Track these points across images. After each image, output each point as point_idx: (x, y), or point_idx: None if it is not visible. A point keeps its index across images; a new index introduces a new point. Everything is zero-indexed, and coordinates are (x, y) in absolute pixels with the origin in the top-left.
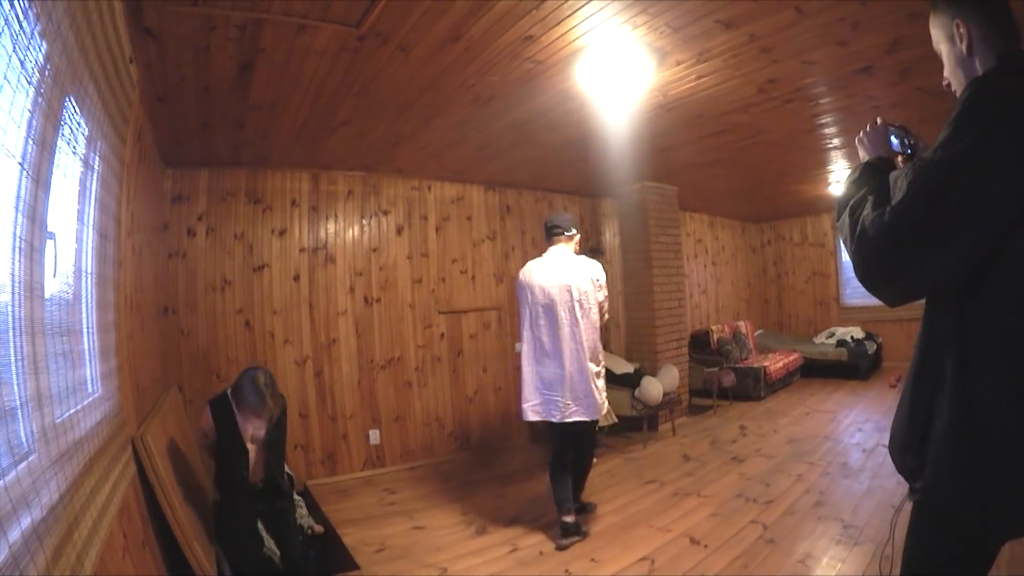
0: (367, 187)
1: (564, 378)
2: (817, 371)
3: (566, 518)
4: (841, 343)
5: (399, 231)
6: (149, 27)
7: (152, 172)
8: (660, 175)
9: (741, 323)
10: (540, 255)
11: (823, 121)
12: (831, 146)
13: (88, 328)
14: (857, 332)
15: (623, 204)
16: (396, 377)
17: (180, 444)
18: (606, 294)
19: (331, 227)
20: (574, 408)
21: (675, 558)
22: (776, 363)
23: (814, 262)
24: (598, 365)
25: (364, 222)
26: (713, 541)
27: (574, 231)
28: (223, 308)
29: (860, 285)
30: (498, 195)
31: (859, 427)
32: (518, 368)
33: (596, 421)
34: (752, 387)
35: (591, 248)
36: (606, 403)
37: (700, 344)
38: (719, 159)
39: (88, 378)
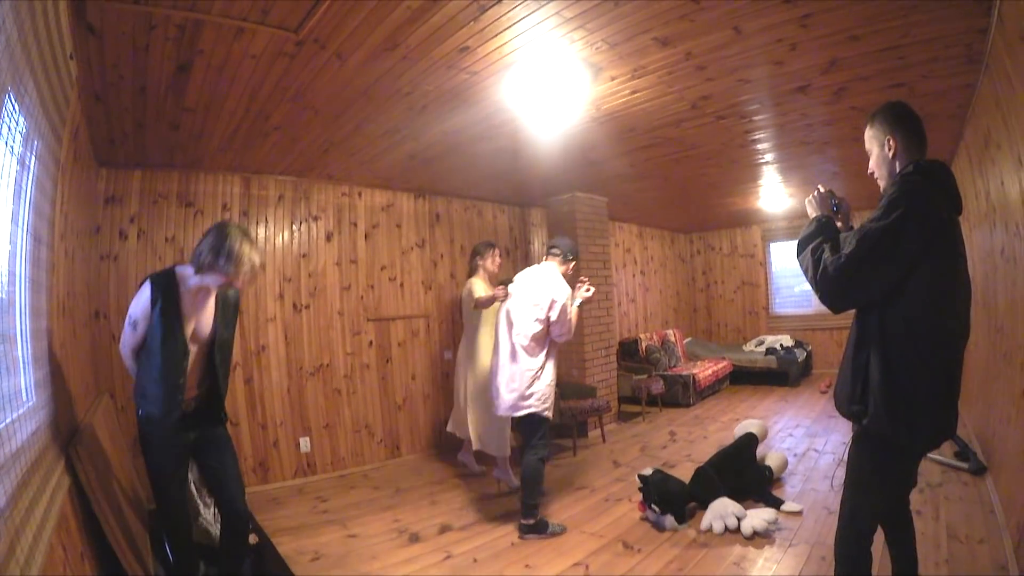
0: (298, 192)
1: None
2: (747, 378)
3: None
4: (771, 351)
5: (328, 237)
6: (91, 23)
7: (86, 172)
8: (591, 186)
9: (670, 331)
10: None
11: (756, 137)
12: (762, 161)
13: (23, 335)
14: (786, 340)
15: (553, 214)
16: (325, 384)
17: (114, 451)
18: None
19: (261, 232)
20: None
21: (609, 563)
22: (705, 370)
23: (743, 272)
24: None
25: (294, 228)
26: (647, 546)
27: (568, 256)
28: None
29: (789, 295)
30: (428, 203)
31: (790, 432)
32: (447, 375)
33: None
34: (681, 394)
35: (501, 281)
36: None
37: (629, 352)
38: (650, 172)
39: (23, 387)
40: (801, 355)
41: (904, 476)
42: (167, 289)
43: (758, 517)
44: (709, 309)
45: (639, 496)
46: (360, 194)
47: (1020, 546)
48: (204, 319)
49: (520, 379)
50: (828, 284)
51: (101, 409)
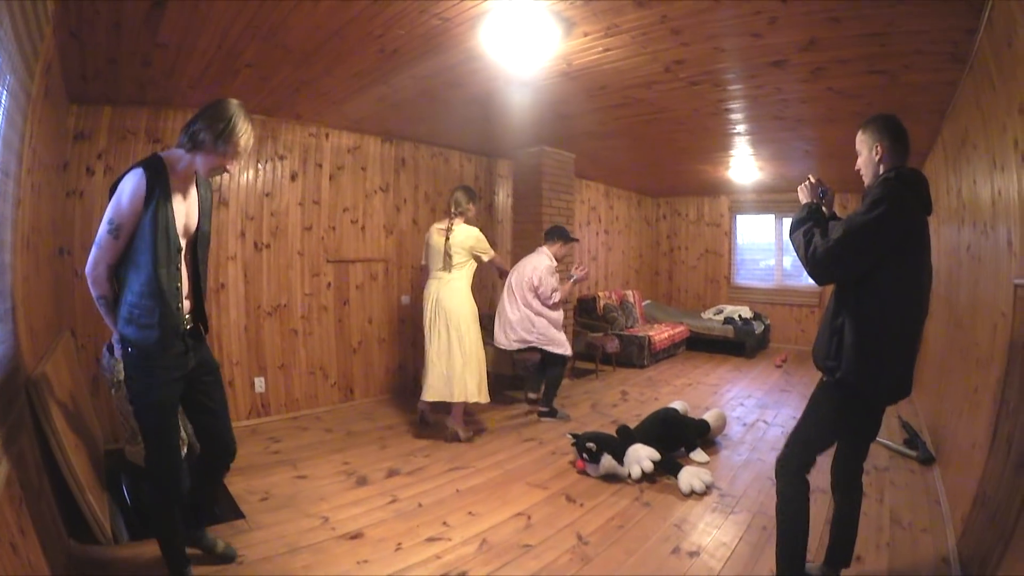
0: (265, 131)
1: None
2: (703, 345)
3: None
4: (729, 320)
5: (293, 177)
6: None
7: (57, 108)
8: (559, 141)
9: (629, 292)
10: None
11: (729, 107)
12: (735, 131)
13: None
14: (745, 311)
15: (519, 166)
16: (282, 324)
17: (73, 390)
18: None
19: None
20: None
21: (551, 515)
22: (662, 333)
23: (708, 240)
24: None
25: (259, 166)
26: (589, 500)
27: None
28: None
29: (753, 268)
30: (395, 148)
31: (741, 402)
32: (402, 321)
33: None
34: (636, 355)
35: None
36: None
37: (587, 309)
38: (619, 131)
39: None
40: (759, 328)
41: (863, 425)
42: (161, 178)
43: (695, 476)
44: (671, 274)
45: (580, 456)
46: (327, 135)
47: (963, 539)
48: (191, 210)
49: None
50: (817, 263)
51: (61, 347)
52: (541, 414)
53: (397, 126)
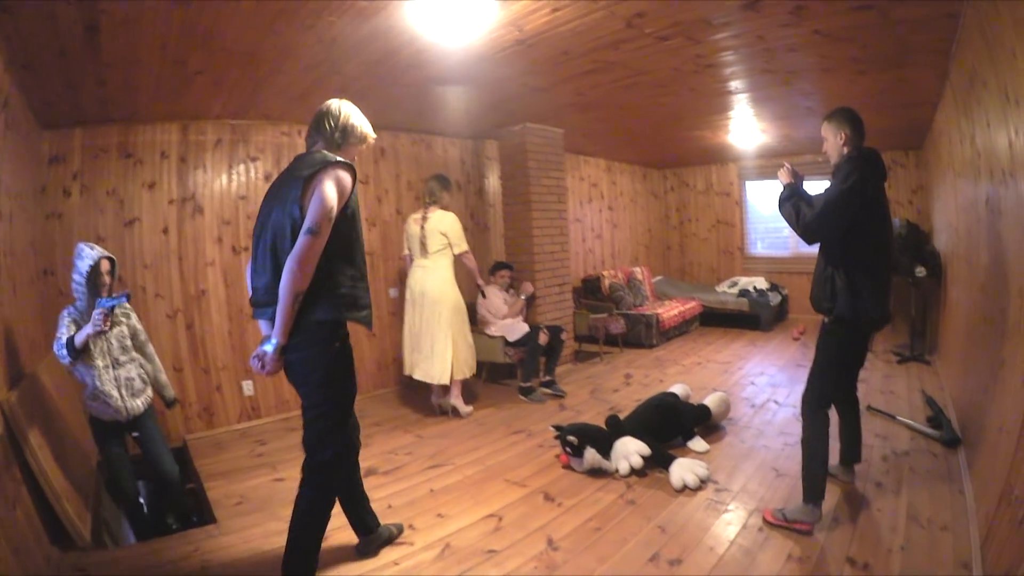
0: (236, 135)
1: None
2: (718, 320)
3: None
4: (743, 293)
5: (267, 178)
6: (3, 3)
7: (25, 137)
8: (542, 117)
9: (637, 269)
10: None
11: (712, 63)
12: (727, 90)
13: None
14: (761, 282)
15: (505, 146)
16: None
17: (59, 404)
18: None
19: (200, 177)
20: None
21: (525, 515)
22: (671, 311)
23: (719, 210)
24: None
25: (233, 170)
26: (569, 499)
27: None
28: None
29: (768, 237)
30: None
31: (752, 380)
32: (392, 314)
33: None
34: (644, 334)
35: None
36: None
37: (592, 290)
38: (600, 100)
39: None
40: (775, 299)
41: (857, 352)
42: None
43: (688, 469)
44: (683, 247)
45: (563, 450)
46: (300, 132)
47: (988, 543)
48: None
49: None
50: (808, 227)
51: (47, 363)
52: (520, 389)
53: (370, 116)
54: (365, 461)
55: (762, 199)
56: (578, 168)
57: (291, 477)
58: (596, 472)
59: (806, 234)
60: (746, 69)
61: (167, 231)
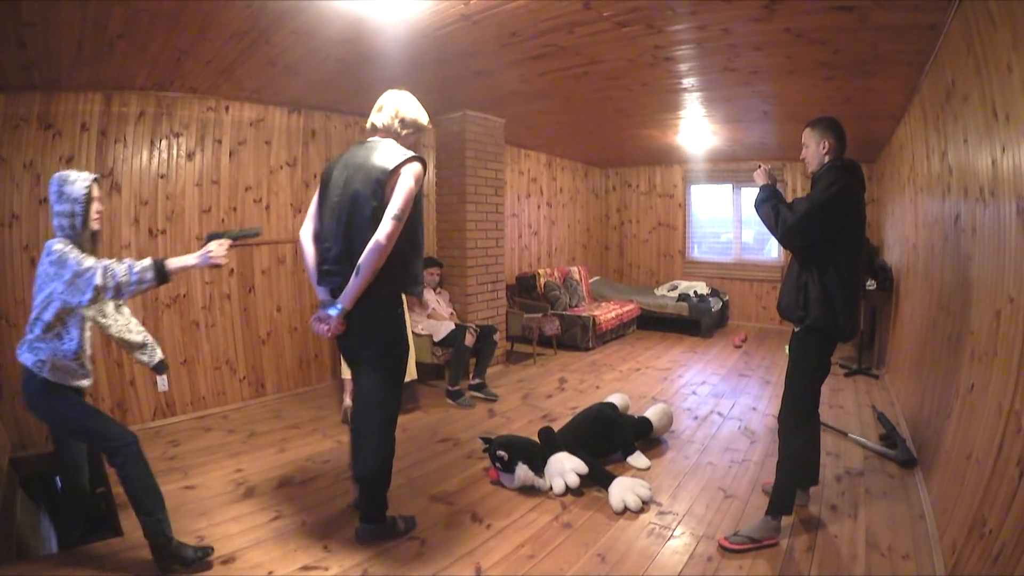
0: (160, 108)
1: None
2: (656, 324)
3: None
4: (683, 297)
5: (190, 156)
6: None
7: None
8: (484, 105)
9: (574, 268)
10: None
11: (669, 55)
12: (681, 87)
13: None
14: (701, 287)
15: (442, 133)
16: (182, 316)
17: None
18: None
19: (119, 152)
20: None
21: (449, 539)
22: (608, 313)
23: (661, 212)
24: None
25: (154, 147)
26: (499, 520)
27: None
28: (10, 245)
29: (706, 240)
30: (303, 118)
31: (693, 390)
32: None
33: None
34: (580, 336)
35: None
36: None
37: (527, 288)
38: (548, 90)
39: None
40: (716, 304)
41: (827, 361)
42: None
43: (629, 489)
44: (622, 248)
45: (492, 464)
46: (227, 108)
47: (955, 570)
48: None
49: None
50: (788, 230)
51: None
52: (447, 392)
53: (302, 94)
54: (280, 470)
55: (706, 203)
56: (518, 161)
57: (202, 485)
58: (528, 490)
59: (786, 236)
60: (705, 65)
61: None
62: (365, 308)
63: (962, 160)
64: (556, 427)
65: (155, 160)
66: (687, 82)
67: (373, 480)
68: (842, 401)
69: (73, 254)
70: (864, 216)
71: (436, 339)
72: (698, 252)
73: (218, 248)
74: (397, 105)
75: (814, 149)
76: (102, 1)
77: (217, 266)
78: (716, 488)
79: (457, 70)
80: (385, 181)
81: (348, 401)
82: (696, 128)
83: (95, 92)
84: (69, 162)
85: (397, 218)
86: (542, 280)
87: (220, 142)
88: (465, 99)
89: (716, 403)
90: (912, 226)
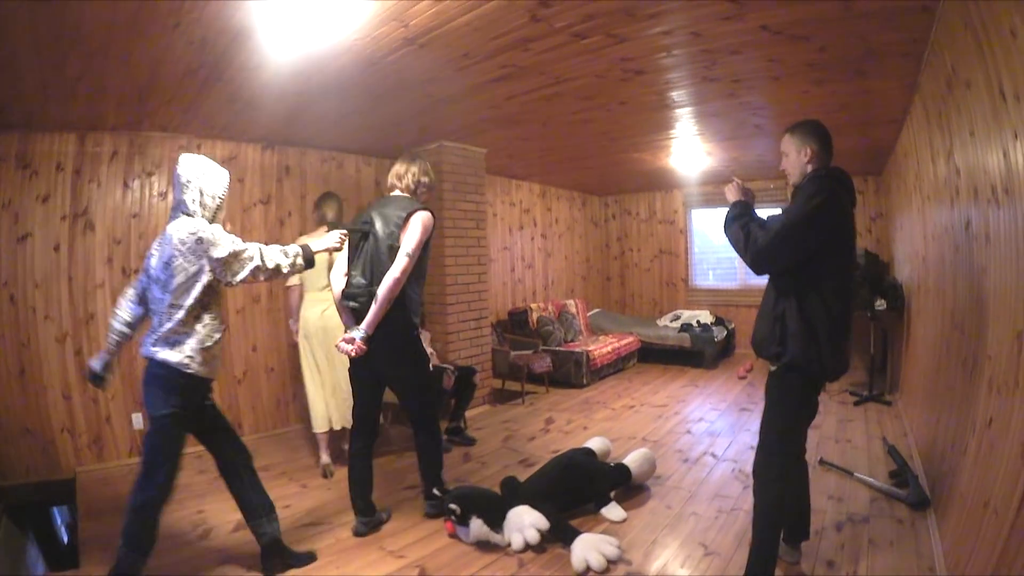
0: (133, 147)
1: None
2: (657, 356)
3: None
4: (685, 327)
5: (163, 195)
6: None
7: None
8: (460, 135)
9: (571, 301)
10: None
11: (640, 68)
12: (664, 103)
13: None
14: (705, 316)
15: None
16: None
17: None
18: None
19: (93, 192)
20: None
21: None
22: (603, 347)
23: (662, 239)
24: None
25: (128, 186)
26: (449, 573)
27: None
28: None
29: (716, 267)
30: (277, 155)
31: (688, 428)
32: (294, 347)
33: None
34: (573, 373)
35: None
36: None
37: (519, 323)
38: (520, 115)
39: None
40: (720, 333)
41: (811, 403)
42: None
43: (593, 547)
44: (623, 278)
45: (451, 518)
46: (199, 146)
47: None
48: None
49: None
50: (759, 252)
51: None
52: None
53: (272, 130)
54: (238, 513)
55: (708, 228)
56: (508, 192)
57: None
58: (485, 545)
59: (757, 261)
60: (681, 77)
61: (58, 248)
62: (385, 335)
63: (969, 157)
64: (523, 477)
65: (128, 199)
66: (669, 97)
67: (425, 472)
68: (850, 434)
69: (227, 235)
70: (853, 233)
71: None
72: (702, 279)
73: (338, 234)
74: (406, 169)
75: (795, 157)
76: (54, 47)
77: (337, 249)
78: (697, 543)
79: (419, 98)
80: (400, 227)
81: (326, 459)
82: (689, 149)
83: (69, 132)
84: (45, 201)
85: (409, 256)
86: (535, 315)
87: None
88: (438, 129)
89: (711, 443)
90: (921, 238)
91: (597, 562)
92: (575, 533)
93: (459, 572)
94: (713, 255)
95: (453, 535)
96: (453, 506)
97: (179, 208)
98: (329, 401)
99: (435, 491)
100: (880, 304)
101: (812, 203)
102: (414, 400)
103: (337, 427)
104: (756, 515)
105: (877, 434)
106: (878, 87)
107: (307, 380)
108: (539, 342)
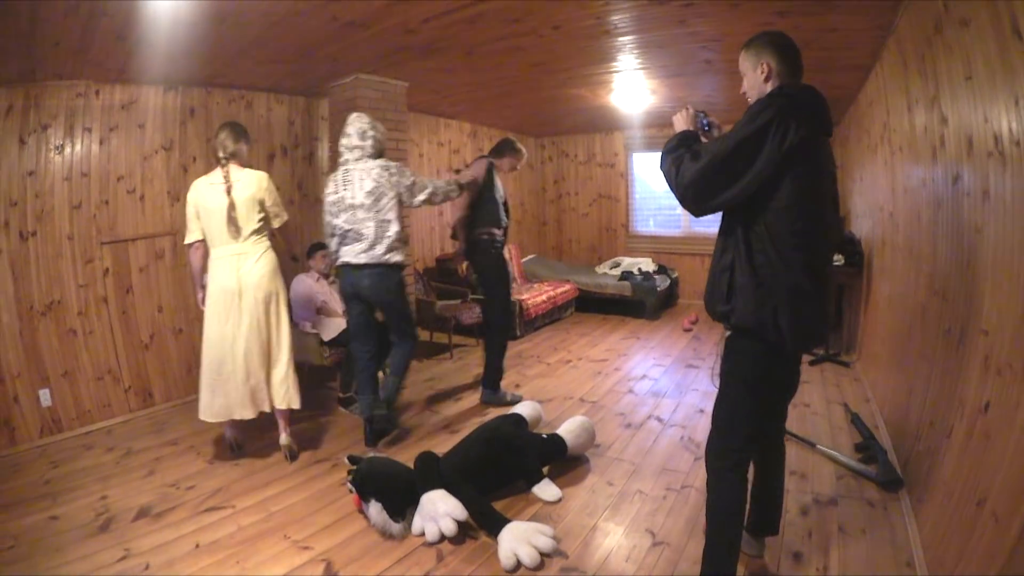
0: (28, 100)
1: None
2: (597, 305)
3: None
4: (626, 275)
5: (59, 149)
6: None
7: None
8: (375, 66)
9: None
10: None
11: None
12: (603, 29)
13: None
14: (647, 264)
15: (335, 103)
16: (59, 324)
17: None
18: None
19: None
20: None
21: None
22: (538, 296)
23: (601, 183)
24: None
25: (24, 143)
26: (359, 570)
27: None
28: None
29: (657, 212)
30: (180, 96)
31: (631, 387)
32: (198, 305)
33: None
34: None
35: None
36: None
37: (445, 272)
38: (440, 41)
39: None
40: (663, 283)
41: (778, 377)
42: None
43: (523, 539)
44: (560, 223)
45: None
46: (97, 92)
47: None
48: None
49: None
50: (688, 186)
51: None
52: (338, 399)
53: (172, 69)
54: (142, 497)
55: (651, 172)
56: (436, 132)
57: (65, 515)
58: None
59: (685, 198)
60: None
61: None
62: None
63: (963, 105)
64: (442, 452)
65: (24, 157)
66: (608, 23)
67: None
68: (808, 397)
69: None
70: (823, 168)
71: (325, 338)
72: (643, 226)
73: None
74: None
75: (752, 76)
76: None
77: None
78: (643, 530)
79: (323, 22)
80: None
81: (230, 433)
82: (632, 85)
83: None
84: None
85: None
86: (464, 263)
87: (90, 130)
88: (354, 61)
89: (656, 405)
90: (888, 192)
91: (529, 557)
92: (502, 521)
93: (369, 567)
94: (654, 201)
95: (361, 511)
96: (348, 486)
97: (364, 153)
98: (214, 383)
99: (346, 459)
100: (837, 260)
101: (748, 128)
102: (492, 307)
103: (224, 419)
104: (708, 512)
105: (836, 398)
106: (846, 24)
107: (203, 356)
108: (468, 291)
